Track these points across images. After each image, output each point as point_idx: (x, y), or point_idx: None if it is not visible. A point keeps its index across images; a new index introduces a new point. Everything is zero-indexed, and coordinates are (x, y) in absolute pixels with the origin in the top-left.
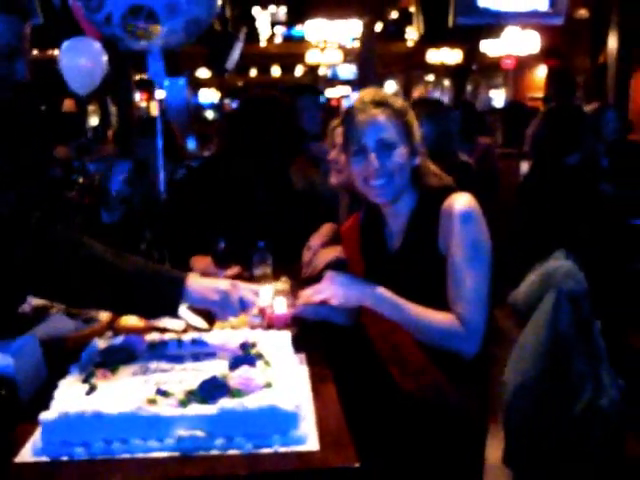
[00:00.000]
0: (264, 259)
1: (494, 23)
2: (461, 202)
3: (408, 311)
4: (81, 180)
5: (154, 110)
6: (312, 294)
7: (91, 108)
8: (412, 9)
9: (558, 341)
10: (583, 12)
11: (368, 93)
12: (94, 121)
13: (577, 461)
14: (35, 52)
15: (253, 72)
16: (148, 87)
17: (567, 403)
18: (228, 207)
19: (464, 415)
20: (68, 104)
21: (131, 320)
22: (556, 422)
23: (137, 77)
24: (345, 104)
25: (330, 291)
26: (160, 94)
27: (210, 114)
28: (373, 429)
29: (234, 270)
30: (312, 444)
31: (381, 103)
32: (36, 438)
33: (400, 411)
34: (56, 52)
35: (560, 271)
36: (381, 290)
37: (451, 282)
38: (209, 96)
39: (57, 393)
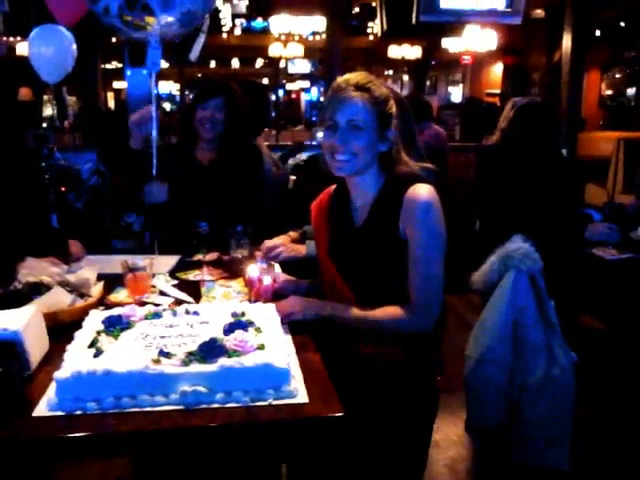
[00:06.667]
0: (242, 242)
1: (455, 21)
2: (423, 192)
3: (362, 311)
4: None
5: (111, 101)
6: (277, 310)
7: (45, 97)
8: (374, 4)
9: (516, 315)
10: (539, 12)
11: (356, 76)
12: (48, 111)
13: (529, 426)
14: None
15: (212, 64)
16: (108, 78)
17: (523, 373)
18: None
19: (418, 376)
20: (24, 93)
21: (121, 296)
22: (513, 390)
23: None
24: (304, 97)
25: (294, 308)
26: (123, 84)
27: (167, 105)
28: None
29: (213, 255)
30: (302, 397)
31: (362, 88)
32: (50, 395)
33: (362, 373)
34: (11, 39)
35: (518, 252)
36: (334, 302)
37: (411, 266)
38: (167, 87)
39: (66, 355)
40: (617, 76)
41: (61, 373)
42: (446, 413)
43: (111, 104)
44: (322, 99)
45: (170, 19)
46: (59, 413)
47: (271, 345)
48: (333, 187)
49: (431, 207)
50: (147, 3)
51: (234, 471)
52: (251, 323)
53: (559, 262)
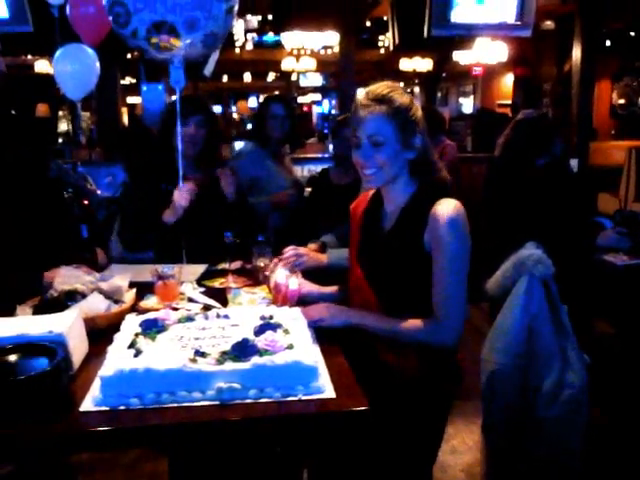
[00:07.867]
0: (264, 251)
1: (466, 35)
2: (450, 208)
3: (388, 322)
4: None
5: (125, 116)
6: (307, 316)
7: (60, 113)
8: (386, 18)
9: (530, 319)
10: (549, 23)
11: (377, 87)
12: (63, 126)
13: (543, 427)
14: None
15: (225, 78)
16: (123, 93)
17: (538, 375)
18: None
19: (432, 383)
20: (42, 109)
21: (151, 302)
22: (528, 393)
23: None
24: (316, 110)
25: (323, 314)
26: (138, 100)
27: None
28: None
29: (237, 263)
30: (329, 393)
31: (383, 100)
32: (94, 392)
33: (378, 378)
34: (29, 57)
35: (531, 258)
36: (361, 310)
37: (435, 282)
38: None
39: (108, 355)
40: (628, 86)
41: (105, 371)
42: (462, 419)
43: (125, 119)
44: (334, 111)
45: (195, 40)
46: (104, 408)
47: (299, 345)
48: (372, 191)
49: (455, 225)
50: (173, 26)
51: (260, 476)
52: (279, 325)
53: (571, 268)
